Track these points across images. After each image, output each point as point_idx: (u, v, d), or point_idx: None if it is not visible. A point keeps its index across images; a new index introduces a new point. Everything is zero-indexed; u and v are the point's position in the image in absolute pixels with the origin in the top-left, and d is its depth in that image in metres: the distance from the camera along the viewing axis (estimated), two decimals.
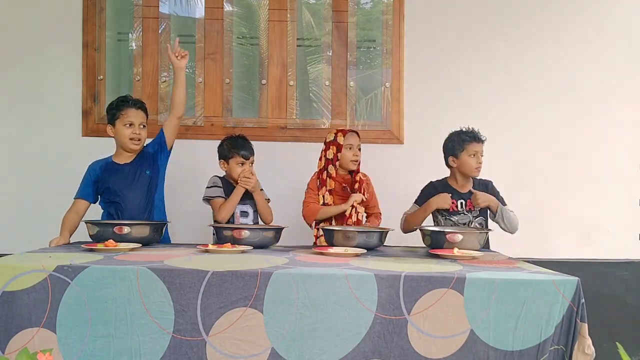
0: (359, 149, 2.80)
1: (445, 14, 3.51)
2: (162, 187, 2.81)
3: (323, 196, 2.76)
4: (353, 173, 2.82)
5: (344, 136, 2.79)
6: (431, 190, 2.83)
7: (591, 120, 3.52)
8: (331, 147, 2.80)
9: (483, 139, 2.77)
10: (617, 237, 3.49)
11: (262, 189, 2.81)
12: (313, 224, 2.79)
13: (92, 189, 2.68)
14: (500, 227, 2.72)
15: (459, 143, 2.76)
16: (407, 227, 2.78)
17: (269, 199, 2.82)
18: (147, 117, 2.73)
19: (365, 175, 2.89)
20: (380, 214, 2.91)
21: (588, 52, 3.52)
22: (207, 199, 2.72)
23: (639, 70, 3.54)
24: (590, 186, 3.49)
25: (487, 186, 2.83)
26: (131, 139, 2.65)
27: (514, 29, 3.51)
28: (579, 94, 3.51)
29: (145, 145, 2.77)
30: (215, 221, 2.70)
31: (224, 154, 2.74)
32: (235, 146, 2.72)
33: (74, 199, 2.67)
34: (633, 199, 3.52)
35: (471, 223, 2.74)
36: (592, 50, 3.52)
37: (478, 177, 2.82)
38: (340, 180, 2.81)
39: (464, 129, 2.79)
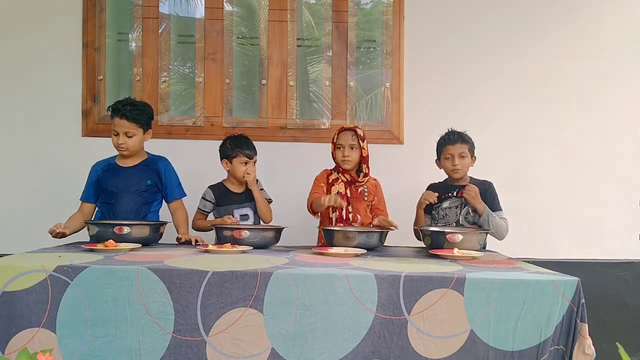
0: (352, 148, 2.70)
1: (445, 14, 3.50)
2: (160, 203, 2.79)
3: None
4: (361, 174, 2.76)
5: (338, 135, 2.77)
6: (433, 190, 2.83)
7: (591, 120, 3.51)
8: (333, 145, 2.79)
9: (464, 138, 2.75)
10: (617, 237, 3.49)
11: (262, 189, 2.82)
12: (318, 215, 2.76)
13: (93, 190, 2.69)
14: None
15: (438, 147, 2.81)
16: (416, 233, 2.79)
17: (270, 200, 2.83)
18: (140, 124, 2.63)
19: (374, 179, 2.83)
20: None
21: (589, 52, 3.52)
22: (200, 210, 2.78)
23: (639, 70, 3.54)
24: (591, 186, 3.49)
25: (486, 188, 2.79)
26: (117, 146, 2.64)
27: (514, 29, 3.50)
28: (579, 94, 3.51)
29: (160, 161, 2.74)
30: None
31: (227, 153, 2.74)
32: (238, 145, 2.72)
33: (79, 200, 2.70)
34: (633, 199, 3.52)
35: (463, 206, 2.73)
36: (593, 50, 3.52)
37: (482, 179, 2.82)
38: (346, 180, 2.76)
39: (447, 131, 2.81)
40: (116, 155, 2.74)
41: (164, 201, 2.79)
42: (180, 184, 2.78)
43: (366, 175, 2.77)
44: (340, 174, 2.77)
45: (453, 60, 3.49)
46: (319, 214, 2.75)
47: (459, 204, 2.74)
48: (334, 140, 2.78)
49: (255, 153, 2.76)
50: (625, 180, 3.50)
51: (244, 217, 2.73)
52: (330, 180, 2.77)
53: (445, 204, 2.76)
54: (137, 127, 2.63)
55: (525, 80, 3.50)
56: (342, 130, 2.78)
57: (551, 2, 3.52)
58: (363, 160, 2.75)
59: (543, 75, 3.51)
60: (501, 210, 2.76)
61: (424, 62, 3.49)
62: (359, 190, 2.76)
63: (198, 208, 2.78)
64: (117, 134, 2.63)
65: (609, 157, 3.50)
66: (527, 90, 3.50)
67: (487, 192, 2.77)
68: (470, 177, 2.83)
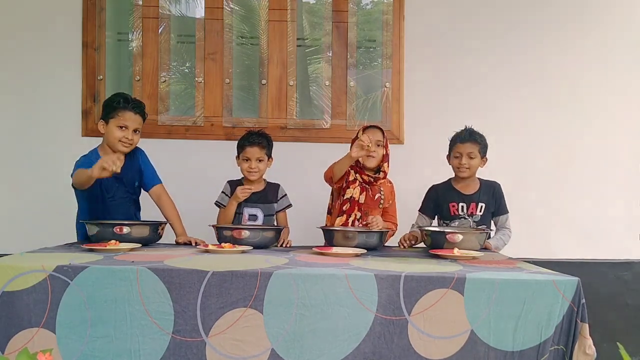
0: (379, 145, 2.65)
1: (446, 13, 3.50)
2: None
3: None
4: (381, 173, 2.70)
5: (363, 132, 2.66)
6: (432, 193, 2.82)
7: (592, 120, 3.51)
8: (353, 143, 2.67)
9: (475, 138, 2.71)
10: (617, 237, 3.49)
11: (285, 195, 2.76)
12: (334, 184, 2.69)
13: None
14: None
15: (450, 143, 2.79)
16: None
17: (290, 204, 2.78)
18: (143, 122, 2.58)
19: (390, 183, 2.79)
20: (396, 225, 2.79)
21: (589, 52, 3.52)
22: (217, 204, 2.71)
23: (639, 70, 3.54)
24: (591, 186, 3.49)
25: (493, 189, 2.78)
26: (121, 141, 2.49)
27: (514, 29, 3.50)
28: (579, 94, 3.51)
29: (137, 152, 2.61)
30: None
31: (237, 150, 2.69)
32: (243, 138, 2.67)
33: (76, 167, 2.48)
34: (633, 199, 3.51)
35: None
36: (593, 50, 3.52)
37: (491, 179, 2.81)
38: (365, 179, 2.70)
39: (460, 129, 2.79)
40: (95, 151, 2.55)
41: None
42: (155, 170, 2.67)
43: (385, 175, 2.71)
44: (358, 174, 2.69)
45: (453, 60, 3.49)
46: (329, 212, 2.70)
47: (468, 226, 2.70)
48: (358, 136, 2.66)
49: (264, 148, 2.65)
50: (625, 180, 3.50)
51: (253, 217, 2.68)
52: (346, 182, 2.68)
53: (456, 223, 2.72)
54: (142, 124, 2.56)
55: (525, 80, 3.50)
56: (369, 126, 2.72)
57: (552, 4, 3.52)
58: (384, 158, 2.69)
59: (543, 76, 3.51)
60: (507, 212, 2.76)
61: (424, 62, 3.49)
62: (376, 196, 2.69)
63: (217, 202, 2.70)
64: (125, 128, 2.48)
65: (609, 157, 3.50)
66: (527, 90, 3.50)
67: (495, 194, 2.76)
68: (479, 178, 2.81)
